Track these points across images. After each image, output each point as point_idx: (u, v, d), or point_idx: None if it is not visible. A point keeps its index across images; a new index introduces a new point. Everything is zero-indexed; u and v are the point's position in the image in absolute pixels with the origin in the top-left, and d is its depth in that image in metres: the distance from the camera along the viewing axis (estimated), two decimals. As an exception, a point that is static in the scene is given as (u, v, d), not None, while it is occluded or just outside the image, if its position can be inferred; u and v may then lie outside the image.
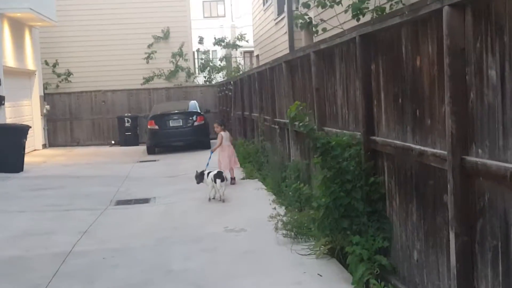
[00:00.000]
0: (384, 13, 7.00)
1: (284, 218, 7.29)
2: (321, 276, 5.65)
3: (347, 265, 5.51)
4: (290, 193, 8.36)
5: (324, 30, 8.65)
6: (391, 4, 7.48)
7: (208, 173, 10.14)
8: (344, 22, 8.74)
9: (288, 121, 9.57)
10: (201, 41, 26.70)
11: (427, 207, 4.47)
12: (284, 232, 7.00)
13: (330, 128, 7.05)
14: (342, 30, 6.91)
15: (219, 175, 9.90)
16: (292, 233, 6.92)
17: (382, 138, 5.30)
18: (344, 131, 6.39)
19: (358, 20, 7.42)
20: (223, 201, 9.81)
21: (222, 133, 11.76)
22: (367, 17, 7.23)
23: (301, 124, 6.35)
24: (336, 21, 9.00)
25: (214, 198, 9.99)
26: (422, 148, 4.41)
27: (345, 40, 6.18)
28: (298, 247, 6.53)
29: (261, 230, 7.53)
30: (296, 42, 16.46)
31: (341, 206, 5.50)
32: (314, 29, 8.94)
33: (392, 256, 5.21)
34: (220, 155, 11.65)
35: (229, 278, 5.91)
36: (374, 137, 5.49)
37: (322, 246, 6.08)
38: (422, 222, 4.57)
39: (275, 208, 8.16)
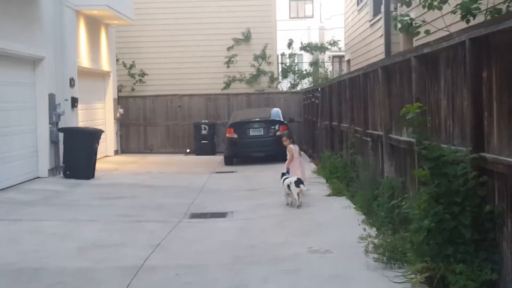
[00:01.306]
0: (500, 14, 6.78)
1: (376, 241, 7.16)
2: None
3: (448, 297, 5.35)
4: (383, 213, 8.21)
5: (428, 32, 8.48)
6: (507, 6, 7.24)
7: (285, 179, 11.14)
8: (451, 25, 8.55)
9: (382, 133, 9.49)
10: (290, 45, 26.65)
11: (545, 235, 4.28)
12: (375, 256, 6.86)
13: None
14: (448, 32, 6.76)
15: (300, 181, 10.91)
16: (384, 258, 6.78)
17: (493, 155, 5.13)
18: (449, 146, 6.22)
19: (467, 22, 7.24)
20: (299, 207, 10.75)
21: (291, 146, 12.17)
22: (478, 20, 7.04)
23: (414, 130, 6.12)
24: (440, 23, 8.82)
25: (288, 204, 11.07)
26: (541, 167, 4.23)
27: (453, 44, 6.04)
28: (391, 274, 6.38)
29: (349, 252, 7.43)
30: (393, 46, 16.25)
31: (445, 231, 5.33)
32: (415, 31, 8.79)
33: (501, 290, 5.02)
34: (291, 167, 11.97)
35: (313, 305, 5.86)
36: (483, 154, 5.31)
37: (419, 274, 5.93)
38: (539, 252, 4.38)
39: (365, 229, 8.03)
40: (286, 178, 11.19)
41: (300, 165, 12.10)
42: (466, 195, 5.34)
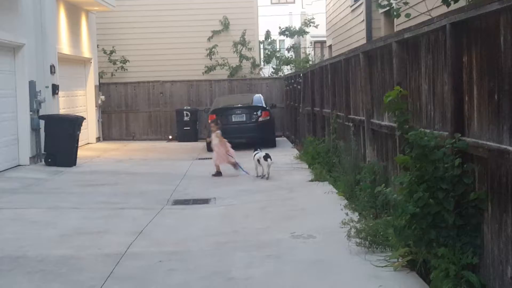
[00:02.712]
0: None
1: (358, 225, 7.19)
2: (399, 291, 5.55)
3: (429, 280, 5.38)
4: (365, 198, 8.25)
5: (408, 16, 8.49)
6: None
7: (255, 155, 12.87)
8: (432, 9, 8.56)
9: (364, 118, 9.51)
10: (268, 35, 26.73)
11: (525, 218, 4.31)
12: (358, 240, 6.89)
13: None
14: (429, 17, 6.76)
15: (268, 155, 12.53)
16: (367, 242, 6.81)
17: (473, 139, 5.15)
18: (428, 131, 6.24)
19: (448, 6, 7.26)
20: (267, 179, 12.48)
21: (218, 131, 13.93)
22: (459, 4, 7.06)
23: (395, 114, 6.14)
24: (422, 7, 8.84)
25: (258, 176, 12.85)
26: (521, 151, 4.26)
27: (434, 29, 6.04)
28: (373, 258, 6.43)
29: (332, 237, 7.47)
30: (374, 31, 16.28)
31: (429, 215, 5.35)
32: (395, 13, 8.79)
33: (481, 272, 5.06)
34: (219, 149, 13.72)
35: (297, 290, 5.88)
36: (464, 138, 5.34)
37: (401, 258, 5.97)
38: (519, 235, 4.42)
39: (347, 214, 8.07)
40: (256, 153, 12.85)
41: (226, 147, 13.71)
42: (452, 182, 5.33)
